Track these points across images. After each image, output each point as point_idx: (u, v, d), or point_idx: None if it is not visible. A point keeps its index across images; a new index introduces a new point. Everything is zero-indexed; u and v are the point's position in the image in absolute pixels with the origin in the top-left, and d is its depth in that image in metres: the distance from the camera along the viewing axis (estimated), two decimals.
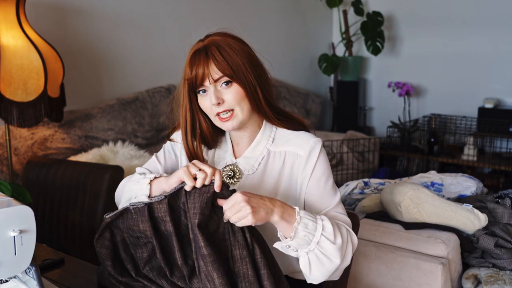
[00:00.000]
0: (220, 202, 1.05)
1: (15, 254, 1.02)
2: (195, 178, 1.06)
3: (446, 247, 1.82)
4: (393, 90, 4.13)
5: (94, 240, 1.14)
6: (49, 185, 2.21)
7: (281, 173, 1.23)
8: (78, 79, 2.71)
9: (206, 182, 1.05)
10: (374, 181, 2.41)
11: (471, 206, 1.95)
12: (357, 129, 4.21)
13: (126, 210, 1.10)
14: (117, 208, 1.15)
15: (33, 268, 1.06)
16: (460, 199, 2.19)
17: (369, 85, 4.62)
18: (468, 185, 2.25)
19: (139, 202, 1.09)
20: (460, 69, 4.10)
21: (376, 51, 4.12)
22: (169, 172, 1.29)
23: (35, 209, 1.34)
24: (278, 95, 3.75)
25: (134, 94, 2.92)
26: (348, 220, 1.20)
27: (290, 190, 1.23)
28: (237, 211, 1.02)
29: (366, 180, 2.43)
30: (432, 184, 2.26)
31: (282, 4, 4.12)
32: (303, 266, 1.09)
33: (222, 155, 1.31)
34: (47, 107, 2.15)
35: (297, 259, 1.11)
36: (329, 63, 4.18)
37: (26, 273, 1.09)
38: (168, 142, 1.35)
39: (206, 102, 1.20)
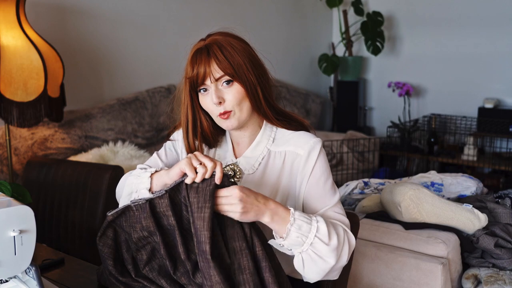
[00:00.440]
0: (218, 191, 1.05)
1: (15, 254, 1.02)
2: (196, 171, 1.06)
3: (446, 247, 1.82)
4: (393, 90, 4.13)
5: (96, 239, 1.13)
6: (49, 185, 2.21)
7: (281, 173, 1.24)
8: (78, 79, 2.71)
9: (207, 176, 1.05)
10: (374, 181, 2.41)
11: (471, 206, 1.95)
12: (357, 129, 4.21)
13: (128, 208, 1.10)
14: (117, 207, 1.14)
15: (33, 268, 1.06)
16: (460, 199, 2.19)
17: (369, 85, 4.62)
18: (468, 185, 2.25)
19: (140, 199, 1.09)
20: (460, 69, 4.10)
21: (376, 51, 4.13)
22: None
23: (35, 209, 1.35)
24: (278, 95, 3.75)
25: (134, 94, 2.92)
26: (346, 220, 1.20)
27: (290, 190, 1.23)
28: (227, 204, 1.03)
29: (366, 180, 2.43)
30: (432, 184, 2.26)
31: (282, 4, 4.12)
32: (297, 264, 1.11)
33: (223, 155, 1.31)
34: (47, 107, 2.15)
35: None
36: (329, 63, 4.19)
37: (26, 273, 1.09)
38: (169, 141, 1.36)
39: (207, 101, 1.21)
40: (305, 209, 1.23)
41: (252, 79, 1.19)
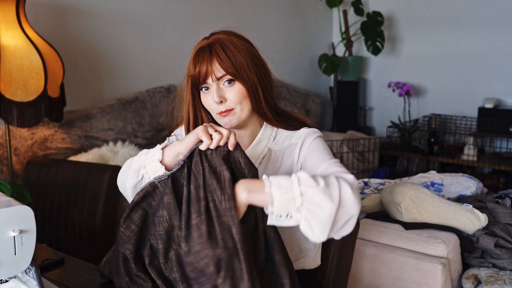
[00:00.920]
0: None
1: (15, 254, 1.02)
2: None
3: (446, 247, 1.82)
4: (393, 90, 4.13)
5: (121, 220, 1.11)
6: (49, 185, 2.21)
7: (281, 170, 1.24)
8: (78, 79, 2.71)
9: (221, 143, 1.06)
10: (374, 181, 2.41)
11: (471, 206, 1.95)
12: (357, 129, 4.21)
13: (153, 185, 1.09)
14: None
15: (33, 268, 1.06)
16: (460, 199, 2.19)
17: (369, 85, 4.62)
18: (468, 185, 2.25)
19: (163, 175, 1.09)
20: (460, 69, 4.10)
21: (376, 51, 4.12)
22: None
23: (35, 209, 1.34)
24: (279, 95, 3.75)
25: (134, 94, 2.92)
26: (344, 171, 1.09)
27: None
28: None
29: (366, 180, 2.43)
30: (432, 184, 2.26)
31: (282, 4, 4.12)
32: (304, 228, 1.00)
33: None
34: (47, 107, 2.15)
35: (297, 249, 1.10)
36: (329, 63, 4.18)
37: (26, 273, 1.09)
38: (172, 135, 1.36)
39: (208, 99, 1.21)
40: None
41: (254, 79, 1.19)
